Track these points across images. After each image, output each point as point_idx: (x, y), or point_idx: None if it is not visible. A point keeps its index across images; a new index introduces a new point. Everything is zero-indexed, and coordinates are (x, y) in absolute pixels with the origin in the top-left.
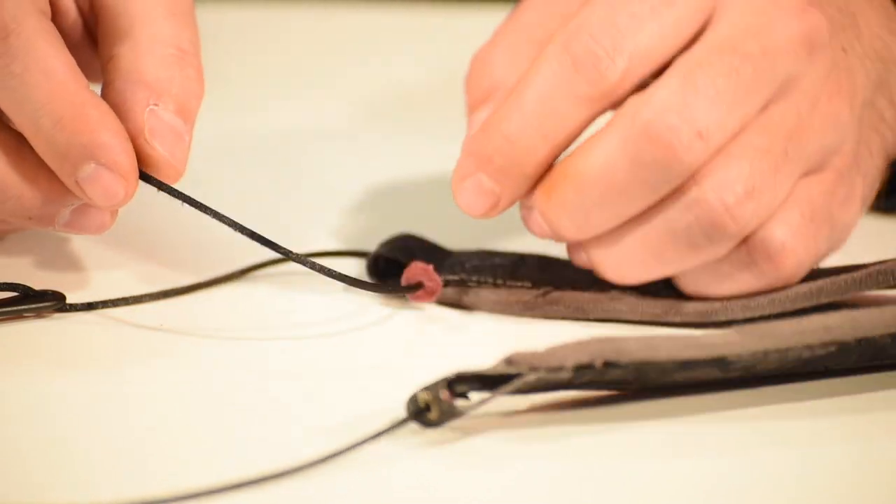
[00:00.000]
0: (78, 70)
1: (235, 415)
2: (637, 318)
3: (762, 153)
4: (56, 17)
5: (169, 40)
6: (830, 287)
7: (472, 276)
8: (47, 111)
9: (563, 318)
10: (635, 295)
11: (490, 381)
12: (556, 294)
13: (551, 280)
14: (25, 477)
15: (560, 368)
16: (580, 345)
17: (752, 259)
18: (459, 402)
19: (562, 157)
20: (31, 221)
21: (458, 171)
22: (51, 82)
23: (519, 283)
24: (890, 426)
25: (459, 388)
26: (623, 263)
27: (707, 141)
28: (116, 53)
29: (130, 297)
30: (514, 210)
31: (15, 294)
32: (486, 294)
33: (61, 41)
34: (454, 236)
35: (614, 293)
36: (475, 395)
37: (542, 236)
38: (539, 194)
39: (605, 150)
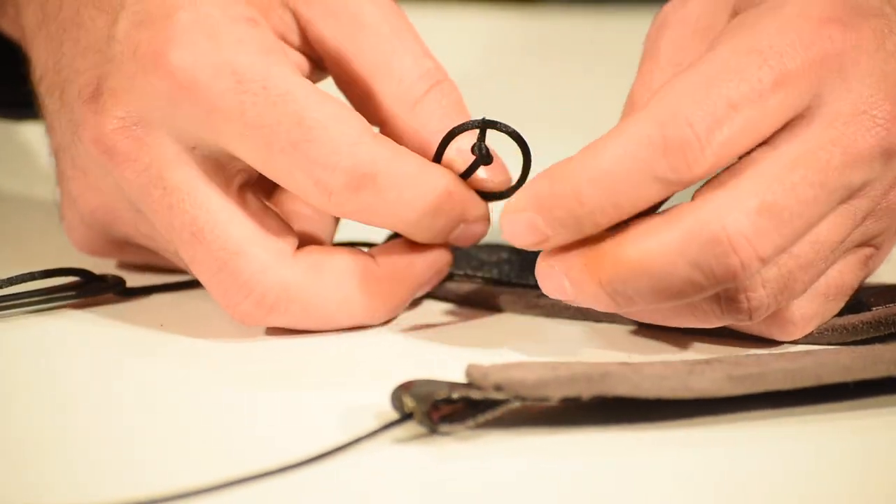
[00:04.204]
0: (425, 162)
1: (233, 413)
2: (637, 323)
3: (806, 265)
4: None
5: (419, 76)
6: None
7: (477, 271)
8: (425, 212)
9: (564, 317)
10: None
11: (476, 403)
12: None
13: None
14: (25, 475)
15: (546, 398)
16: (570, 380)
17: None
18: (443, 427)
19: None
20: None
21: (514, 204)
22: (420, 188)
23: (523, 282)
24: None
25: (445, 408)
26: (633, 313)
27: (766, 263)
28: (387, 118)
29: (185, 283)
30: None
31: (77, 279)
32: (490, 291)
33: (394, 142)
34: None
35: None
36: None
37: (558, 297)
38: (577, 266)
39: (661, 244)
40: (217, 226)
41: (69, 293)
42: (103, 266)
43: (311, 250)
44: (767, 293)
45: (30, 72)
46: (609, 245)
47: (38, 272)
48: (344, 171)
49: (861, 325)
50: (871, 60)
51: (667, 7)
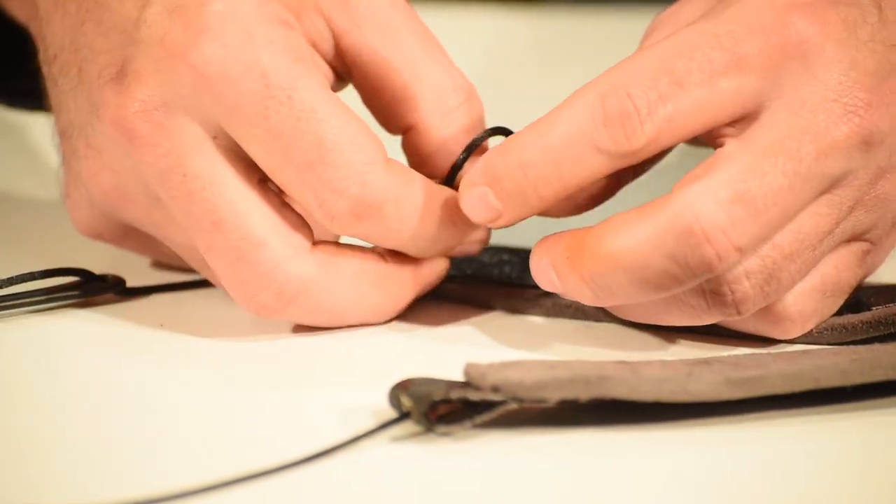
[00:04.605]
0: (430, 185)
1: (233, 412)
2: (635, 322)
3: (791, 255)
4: None
5: (453, 88)
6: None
7: (478, 272)
8: (424, 238)
9: (565, 317)
10: None
11: (474, 403)
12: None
13: None
14: (25, 475)
15: (543, 400)
16: (568, 382)
17: (756, 316)
18: (440, 428)
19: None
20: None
21: (468, 177)
22: (424, 220)
23: (523, 282)
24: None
25: (442, 407)
26: (624, 311)
27: (744, 253)
28: (418, 123)
29: (186, 283)
30: None
31: (77, 279)
32: (491, 292)
33: (408, 168)
34: None
35: None
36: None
37: (550, 290)
38: (561, 259)
39: (638, 236)
40: (238, 216)
41: (69, 293)
42: (103, 266)
43: (325, 247)
44: (752, 285)
45: (37, 52)
46: (589, 238)
47: (38, 272)
48: (350, 199)
49: (860, 325)
50: (839, 48)
51: (662, 14)
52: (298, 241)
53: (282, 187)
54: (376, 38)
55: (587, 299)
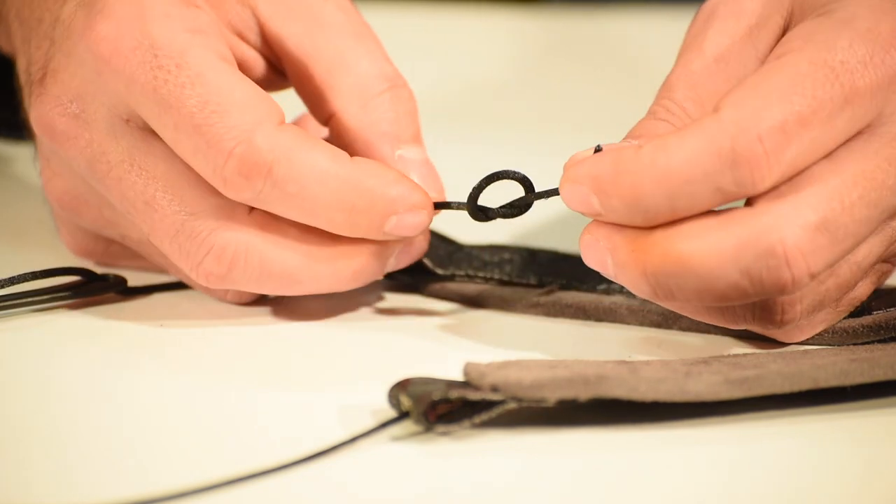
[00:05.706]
0: (336, 150)
1: (233, 412)
2: (637, 323)
3: (843, 285)
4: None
5: (376, 76)
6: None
7: (479, 271)
8: (337, 209)
9: (565, 317)
10: (638, 301)
11: (473, 402)
12: (559, 294)
13: (560, 277)
14: (24, 475)
15: (542, 400)
16: (567, 381)
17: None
18: (439, 427)
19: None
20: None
21: (572, 173)
22: (327, 184)
23: (525, 281)
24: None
25: (441, 407)
26: (668, 304)
27: (814, 279)
28: (337, 110)
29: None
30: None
31: (79, 278)
32: (491, 291)
33: (307, 134)
34: (467, 231)
35: (617, 298)
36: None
37: (597, 269)
38: (623, 248)
39: (715, 245)
40: (168, 190)
41: (70, 293)
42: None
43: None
44: (802, 309)
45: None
46: (660, 236)
47: (39, 272)
48: (236, 158)
49: (861, 329)
50: None
51: None
52: (232, 206)
53: (183, 159)
54: (303, 27)
55: (642, 293)
